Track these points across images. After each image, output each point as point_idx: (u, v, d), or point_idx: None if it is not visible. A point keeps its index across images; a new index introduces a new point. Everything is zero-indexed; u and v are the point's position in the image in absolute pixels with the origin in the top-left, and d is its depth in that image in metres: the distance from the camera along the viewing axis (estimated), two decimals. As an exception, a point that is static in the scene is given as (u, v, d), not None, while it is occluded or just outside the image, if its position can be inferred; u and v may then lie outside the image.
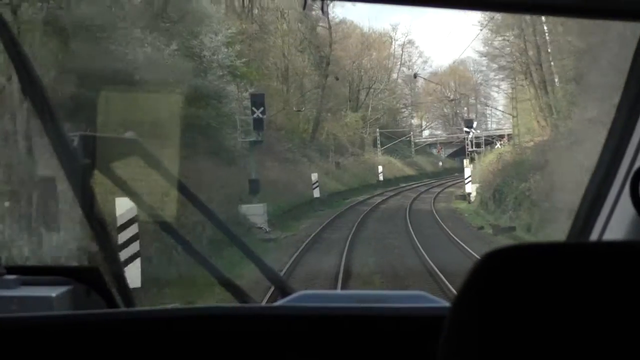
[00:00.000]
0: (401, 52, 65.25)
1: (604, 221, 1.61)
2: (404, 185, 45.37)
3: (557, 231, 15.07)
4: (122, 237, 9.23)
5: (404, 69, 66.08)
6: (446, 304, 1.58)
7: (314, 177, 29.22)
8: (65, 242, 10.19)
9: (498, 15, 26.96)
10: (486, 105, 60.59)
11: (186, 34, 24.06)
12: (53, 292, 1.59)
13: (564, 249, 0.76)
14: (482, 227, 20.39)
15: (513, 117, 31.83)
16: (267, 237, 18.82)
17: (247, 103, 24.45)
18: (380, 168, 45.82)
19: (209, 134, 21.84)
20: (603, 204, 1.62)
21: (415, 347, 1.40)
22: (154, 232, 9.94)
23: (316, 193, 28.89)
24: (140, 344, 1.42)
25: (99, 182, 1.79)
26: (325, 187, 31.24)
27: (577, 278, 0.72)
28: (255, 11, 39.48)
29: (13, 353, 1.40)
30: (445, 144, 64.02)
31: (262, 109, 21.42)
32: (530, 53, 26.83)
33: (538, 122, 27.90)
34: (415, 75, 56.58)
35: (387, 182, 44.95)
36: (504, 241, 16.72)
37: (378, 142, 53.67)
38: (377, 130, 54.53)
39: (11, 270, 1.68)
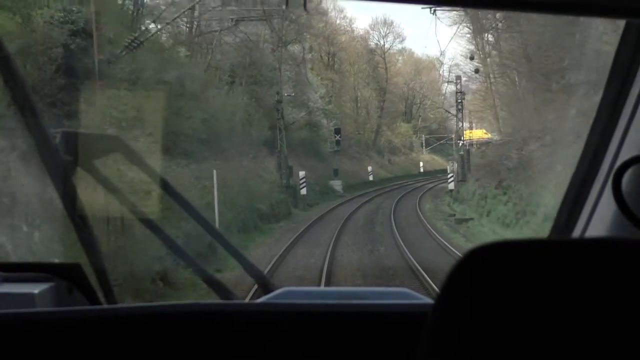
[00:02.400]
0: (448, 72, 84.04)
1: (587, 217, 1.60)
2: (439, 175, 59.57)
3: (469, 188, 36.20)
4: (301, 182, 31.56)
5: (451, 86, 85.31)
6: (429, 300, 1.58)
7: (370, 168, 50.30)
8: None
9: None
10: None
11: (300, 94, 46.45)
12: (35, 288, 1.58)
13: (546, 246, 0.76)
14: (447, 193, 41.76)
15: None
16: (342, 195, 41.01)
17: (332, 128, 46.76)
18: (421, 163, 64.58)
19: (313, 147, 44.41)
20: (586, 200, 1.61)
21: (398, 343, 1.38)
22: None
23: (370, 178, 49.45)
24: (122, 340, 1.42)
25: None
26: (378, 175, 51.62)
27: (560, 274, 0.72)
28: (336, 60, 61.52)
29: None
30: (485, 143, 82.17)
31: (340, 134, 43.53)
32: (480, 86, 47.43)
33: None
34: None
35: (427, 173, 61.92)
36: (448, 198, 38.34)
37: (424, 144, 71.73)
38: (423, 136, 74.29)
39: None
